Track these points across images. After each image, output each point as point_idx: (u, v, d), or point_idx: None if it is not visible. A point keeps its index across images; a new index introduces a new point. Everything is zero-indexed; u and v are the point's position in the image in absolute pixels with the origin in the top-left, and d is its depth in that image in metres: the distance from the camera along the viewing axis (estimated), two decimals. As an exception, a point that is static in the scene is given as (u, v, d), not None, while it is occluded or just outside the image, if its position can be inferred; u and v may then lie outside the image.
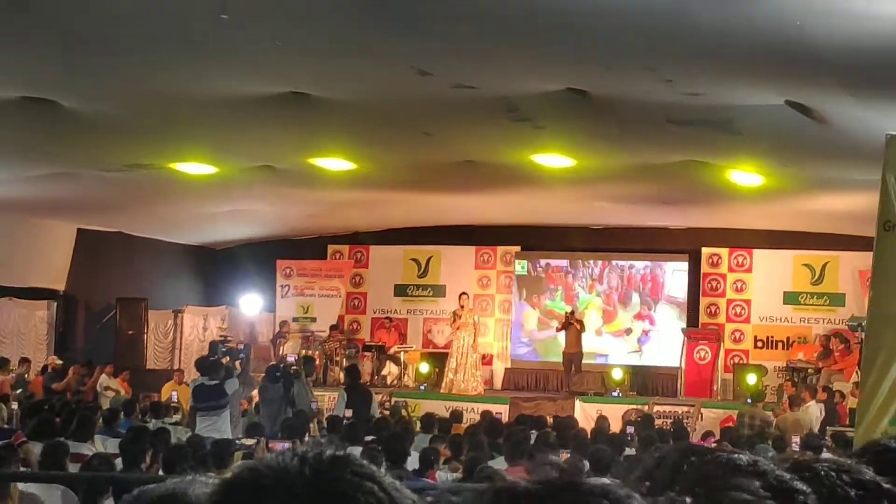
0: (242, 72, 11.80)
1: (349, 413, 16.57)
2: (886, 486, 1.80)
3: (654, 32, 9.66)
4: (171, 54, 11.09)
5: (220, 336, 22.60)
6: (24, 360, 21.18)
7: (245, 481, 1.35)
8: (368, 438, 12.71)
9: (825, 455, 2.07)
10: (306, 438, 13.95)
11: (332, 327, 23.52)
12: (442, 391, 21.13)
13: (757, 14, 9.05)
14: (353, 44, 10.54)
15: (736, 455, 1.63)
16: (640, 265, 23.63)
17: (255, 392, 18.00)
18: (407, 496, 1.37)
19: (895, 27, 8.92)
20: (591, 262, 23.75)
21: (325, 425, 15.84)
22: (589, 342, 22.63)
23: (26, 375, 20.50)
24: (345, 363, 21.47)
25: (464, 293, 22.26)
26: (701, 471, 1.59)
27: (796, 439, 14.18)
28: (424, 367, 22.24)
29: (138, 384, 20.86)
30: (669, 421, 18.30)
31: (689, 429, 17.53)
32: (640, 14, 9.14)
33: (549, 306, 23.59)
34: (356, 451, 10.26)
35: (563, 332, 22.09)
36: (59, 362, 21.47)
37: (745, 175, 16.61)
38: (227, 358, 17.43)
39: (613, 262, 23.75)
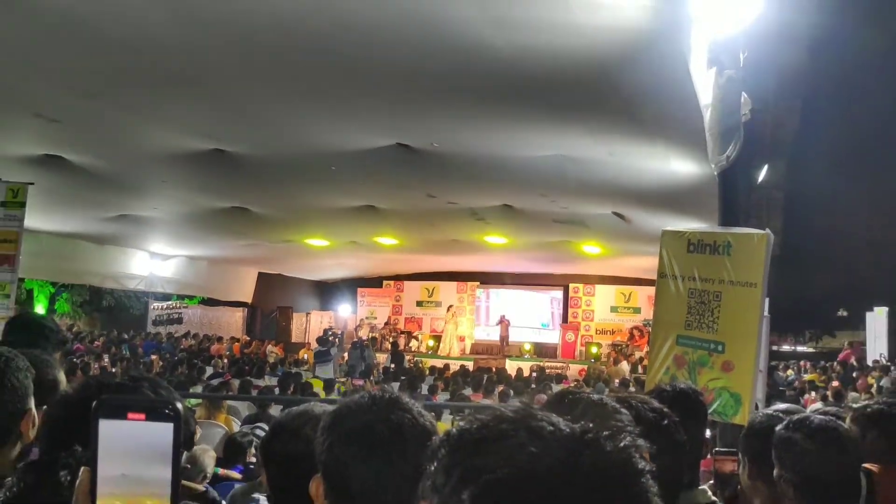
0: (341, 196, 11.85)
1: (392, 366, 16.52)
2: (667, 411, 1.78)
3: (545, 177, 9.73)
4: (306, 186, 11.14)
5: (329, 326, 22.52)
6: (231, 338, 21.12)
7: (341, 411, 1.32)
8: (402, 378, 12.65)
9: (635, 394, 2.05)
10: (371, 378, 13.90)
11: (385, 323, 23.38)
12: (440, 354, 20.93)
13: (605, 173, 9.14)
14: (396, 181, 10.60)
15: (595, 396, 1.62)
16: (544, 294, 23.46)
17: (345, 354, 17.92)
18: (428, 419, 1.31)
19: (663, 179, 9.02)
20: (516, 291, 23.62)
21: (381, 372, 15.74)
22: (519, 332, 22.31)
23: (231, 345, 20.43)
24: (391, 340, 21.37)
25: (451, 305, 22.16)
26: (579, 404, 1.57)
27: (617, 381, 14.14)
28: (431, 342, 22.06)
29: (287, 350, 20.69)
30: (553, 371, 18.18)
31: (563, 375, 17.44)
32: (535, 170, 9.23)
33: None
34: (395, 385, 10.20)
35: (498, 326, 22.03)
36: (247, 338, 21.41)
37: (591, 247, 16.60)
38: (332, 337, 17.42)
39: (529, 292, 23.60)
